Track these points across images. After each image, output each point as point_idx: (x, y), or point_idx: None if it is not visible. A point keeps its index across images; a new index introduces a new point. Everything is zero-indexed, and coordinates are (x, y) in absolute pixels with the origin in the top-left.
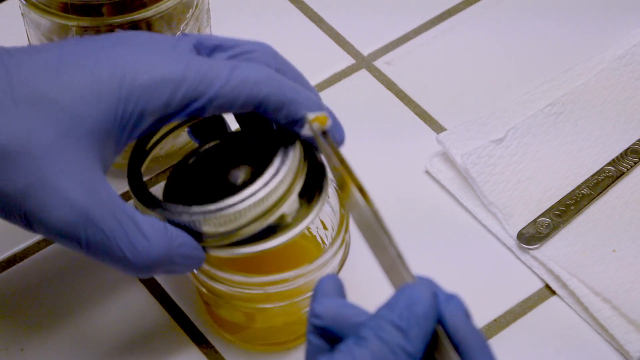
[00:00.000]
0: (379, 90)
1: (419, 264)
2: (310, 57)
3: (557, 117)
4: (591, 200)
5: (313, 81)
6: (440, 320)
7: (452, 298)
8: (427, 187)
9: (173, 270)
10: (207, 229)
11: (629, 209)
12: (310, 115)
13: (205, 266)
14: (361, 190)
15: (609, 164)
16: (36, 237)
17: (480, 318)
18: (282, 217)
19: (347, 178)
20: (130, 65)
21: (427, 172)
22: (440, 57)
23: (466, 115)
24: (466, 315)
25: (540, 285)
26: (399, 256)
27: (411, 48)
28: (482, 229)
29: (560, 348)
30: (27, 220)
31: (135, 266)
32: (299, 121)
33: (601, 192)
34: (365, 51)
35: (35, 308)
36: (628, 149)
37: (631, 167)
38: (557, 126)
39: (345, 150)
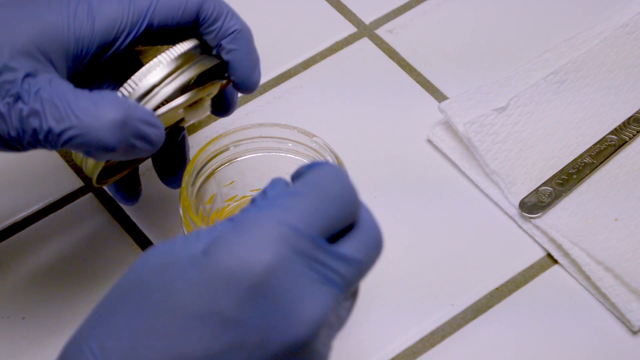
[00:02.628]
0: (381, 59)
1: (421, 232)
2: (312, 25)
3: (559, 85)
4: (593, 169)
5: (315, 50)
6: None
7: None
8: (429, 156)
9: (135, 147)
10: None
11: (631, 178)
12: None
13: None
14: None
15: (612, 132)
16: (37, 206)
17: (482, 287)
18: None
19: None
20: None
21: (429, 141)
22: (443, 25)
23: (468, 84)
24: None
25: (542, 254)
26: None
27: (413, 16)
28: (484, 198)
29: (562, 317)
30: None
31: (96, 132)
32: (229, 36)
33: (603, 161)
34: (367, 19)
35: (37, 277)
36: (630, 117)
37: (633, 135)
38: (559, 95)
39: (348, 119)
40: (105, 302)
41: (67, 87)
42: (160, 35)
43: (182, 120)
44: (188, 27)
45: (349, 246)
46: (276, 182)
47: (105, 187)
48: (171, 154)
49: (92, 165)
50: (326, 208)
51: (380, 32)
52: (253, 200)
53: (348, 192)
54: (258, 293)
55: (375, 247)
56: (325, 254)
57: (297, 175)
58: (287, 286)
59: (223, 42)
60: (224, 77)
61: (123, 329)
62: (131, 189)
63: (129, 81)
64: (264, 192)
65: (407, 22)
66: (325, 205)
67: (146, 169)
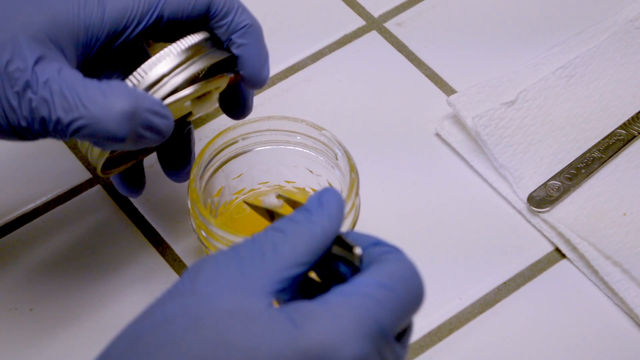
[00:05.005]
0: (390, 52)
1: (429, 226)
2: (321, 18)
3: (568, 79)
4: (602, 164)
5: (323, 43)
6: None
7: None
8: (438, 149)
9: (144, 137)
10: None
11: (639, 172)
12: None
13: (214, 229)
14: None
15: (620, 127)
16: (44, 198)
17: (490, 280)
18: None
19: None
20: None
21: (438, 135)
22: (451, 18)
23: (477, 78)
24: None
25: (550, 248)
26: None
27: (422, 9)
28: (492, 192)
29: (570, 311)
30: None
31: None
32: (239, 31)
33: (612, 156)
34: (376, 13)
35: (44, 268)
36: (639, 112)
37: None
38: (568, 89)
39: (357, 113)
40: (166, 323)
41: (76, 77)
42: (170, 28)
43: (189, 114)
44: (198, 20)
45: (403, 345)
46: (334, 197)
47: (110, 178)
48: (176, 148)
49: (97, 155)
50: (408, 309)
51: (389, 25)
52: (307, 210)
53: (422, 294)
54: None
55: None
56: (392, 353)
57: (358, 239)
58: None
59: (233, 37)
60: (233, 71)
61: None
62: (135, 181)
63: (138, 70)
64: (320, 204)
65: (416, 16)
66: (408, 306)
67: (154, 162)
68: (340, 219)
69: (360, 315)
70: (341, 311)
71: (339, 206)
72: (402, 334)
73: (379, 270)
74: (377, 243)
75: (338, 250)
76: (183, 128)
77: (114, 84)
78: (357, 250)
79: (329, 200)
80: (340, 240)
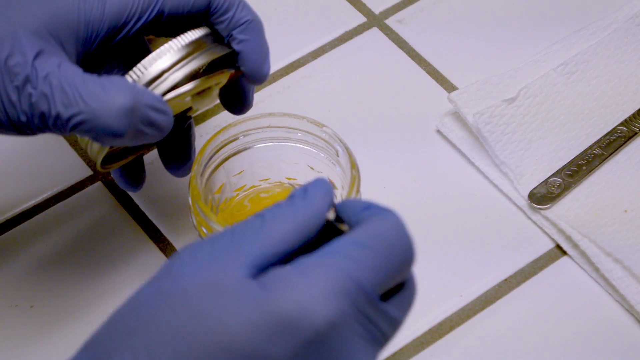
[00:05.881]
0: (391, 49)
1: (429, 223)
2: (322, 15)
3: (569, 76)
4: (603, 161)
5: (324, 39)
6: None
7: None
8: (438, 146)
9: (143, 133)
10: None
11: None
12: None
13: (215, 226)
14: None
15: (621, 124)
16: (45, 194)
17: (491, 278)
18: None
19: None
20: None
21: (439, 132)
22: (452, 15)
23: (478, 75)
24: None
25: (551, 245)
26: None
27: (423, 6)
28: (493, 189)
29: (570, 308)
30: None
31: (104, 118)
32: (240, 27)
33: (613, 153)
34: (377, 9)
35: (45, 265)
36: None
37: None
38: (569, 86)
39: (357, 109)
40: (143, 304)
41: (76, 72)
42: (171, 23)
43: (189, 109)
44: (199, 16)
45: (396, 306)
46: (320, 184)
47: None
48: (177, 143)
49: (96, 150)
50: (390, 267)
51: (390, 22)
52: (291, 196)
53: (411, 252)
54: (314, 346)
55: (411, 306)
56: (377, 312)
57: (352, 209)
58: (342, 343)
59: (234, 32)
60: (234, 67)
61: (164, 347)
62: (135, 176)
63: (138, 65)
64: (305, 190)
65: (417, 12)
66: (390, 264)
67: (155, 157)
68: (326, 200)
69: (334, 274)
70: (313, 271)
71: (324, 190)
72: (397, 293)
73: (358, 230)
74: (368, 207)
75: (334, 229)
76: (183, 123)
77: (114, 79)
78: (344, 228)
79: (314, 186)
80: (335, 220)
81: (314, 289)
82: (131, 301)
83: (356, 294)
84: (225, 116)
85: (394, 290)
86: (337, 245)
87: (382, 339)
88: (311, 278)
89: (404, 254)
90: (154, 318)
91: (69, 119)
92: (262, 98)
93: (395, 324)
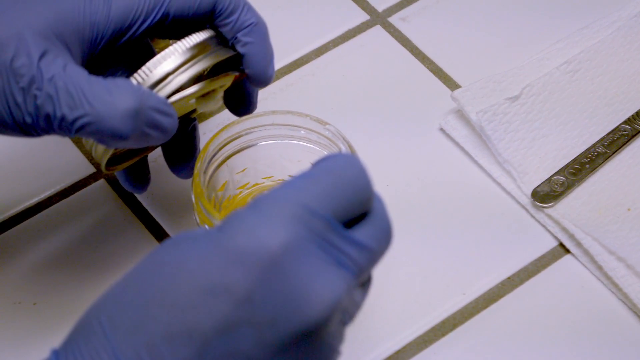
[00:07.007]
0: (394, 47)
1: (432, 220)
2: (325, 13)
3: (573, 75)
4: (606, 159)
5: (327, 37)
6: None
7: None
8: (442, 144)
9: (148, 135)
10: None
11: None
12: None
13: (214, 220)
14: None
15: (625, 122)
16: (48, 192)
17: (494, 276)
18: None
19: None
20: None
21: (442, 130)
22: (456, 13)
23: (481, 73)
24: None
25: (554, 243)
26: None
27: (426, 4)
28: (496, 187)
29: (574, 306)
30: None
31: (109, 121)
32: (245, 29)
33: (616, 151)
34: (380, 7)
35: (48, 262)
36: None
37: None
38: (572, 84)
39: (361, 107)
40: (121, 281)
41: (81, 74)
42: (176, 25)
43: (193, 111)
44: (204, 18)
45: (361, 233)
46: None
47: (115, 174)
48: (181, 144)
49: (101, 152)
50: (340, 191)
51: (393, 20)
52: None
53: (362, 178)
54: (271, 271)
55: (386, 238)
56: (339, 237)
57: (314, 165)
58: (301, 266)
59: (239, 35)
60: (238, 69)
61: (132, 302)
62: (140, 177)
63: (143, 68)
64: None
65: (420, 10)
66: (339, 189)
67: (158, 155)
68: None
69: (283, 203)
70: (263, 204)
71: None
72: (363, 221)
73: (309, 168)
74: (330, 154)
75: None
76: (188, 124)
77: (119, 81)
78: None
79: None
80: None
81: (264, 219)
82: (114, 285)
83: (309, 218)
84: (228, 114)
85: (361, 220)
86: (287, 182)
87: (352, 264)
88: (261, 211)
89: (356, 182)
90: (127, 285)
91: (74, 121)
92: (265, 96)
93: (364, 249)
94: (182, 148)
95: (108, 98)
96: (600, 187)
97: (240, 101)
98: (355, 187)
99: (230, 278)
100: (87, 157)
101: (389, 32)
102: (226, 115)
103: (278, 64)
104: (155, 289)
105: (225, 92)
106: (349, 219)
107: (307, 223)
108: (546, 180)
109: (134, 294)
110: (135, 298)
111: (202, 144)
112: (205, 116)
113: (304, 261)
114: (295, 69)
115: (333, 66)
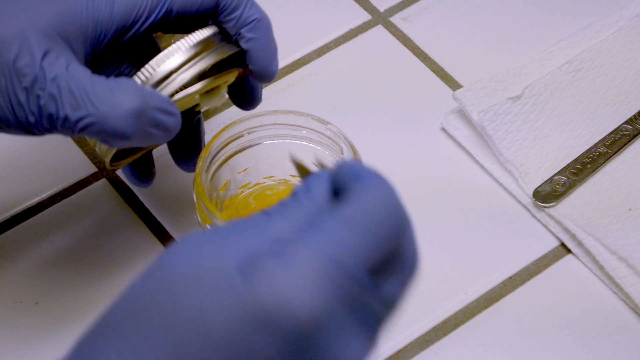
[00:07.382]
0: (395, 47)
1: (433, 221)
2: (327, 12)
3: (574, 74)
4: (608, 159)
5: (329, 37)
6: None
7: None
8: (443, 144)
9: (151, 135)
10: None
11: None
12: None
13: (220, 223)
14: None
15: (626, 122)
16: (50, 191)
17: (495, 275)
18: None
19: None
20: None
21: (443, 130)
22: (458, 13)
23: (483, 73)
24: None
25: (556, 243)
26: None
27: (428, 4)
28: (497, 187)
29: (575, 306)
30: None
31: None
32: (248, 25)
33: (618, 151)
34: (382, 7)
35: (50, 262)
36: None
37: None
38: (574, 84)
39: (362, 107)
40: (131, 301)
41: (84, 73)
42: (179, 21)
43: (197, 105)
44: (207, 14)
45: (392, 285)
46: (321, 178)
47: (120, 170)
48: (186, 137)
49: (105, 149)
50: (379, 243)
51: (395, 19)
52: (295, 193)
53: (402, 223)
54: (298, 343)
55: (412, 283)
56: (369, 297)
57: (340, 179)
58: (329, 337)
59: (242, 31)
60: (242, 65)
61: (148, 344)
62: (145, 171)
63: (147, 66)
64: (307, 187)
65: (422, 10)
66: (378, 240)
67: (160, 154)
68: (328, 192)
69: (317, 259)
70: (295, 258)
71: (325, 183)
72: (391, 266)
73: (344, 206)
74: (358, 176)
75: None
76: (192, 118)
77: (122, 81)
78: None
79: (315, 180)
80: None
81: (296, 279)
82: (122, 296)
83: (342, 280)
84: (231, 113)
85: (389, 263)
86: (321, 223)
87: (379, 322)
88: (293, 266)
89: (397, 229)
90: (141, 315)
91: (77, 121)
92: (267, 95)
93: (394, 305)
94: (188, 142)
95: (111, 98)
96: (602, 187)
97: (245, 96)
98: (395, 235)
99: (254, 343)
100: (89, 156)
101: (391, 32)
102: (228, 115)
103: (280, 64)
104: (175, 335)
105: (230, 86)
106: (380, 263)
107: (340, 286)
108: (548, 180)
109: (149, 333)
110: (151, 338)
111: (205, 140)
112: (207, 115)
113: (332, 332)
114: (296, 68)
115: (334, 66)
